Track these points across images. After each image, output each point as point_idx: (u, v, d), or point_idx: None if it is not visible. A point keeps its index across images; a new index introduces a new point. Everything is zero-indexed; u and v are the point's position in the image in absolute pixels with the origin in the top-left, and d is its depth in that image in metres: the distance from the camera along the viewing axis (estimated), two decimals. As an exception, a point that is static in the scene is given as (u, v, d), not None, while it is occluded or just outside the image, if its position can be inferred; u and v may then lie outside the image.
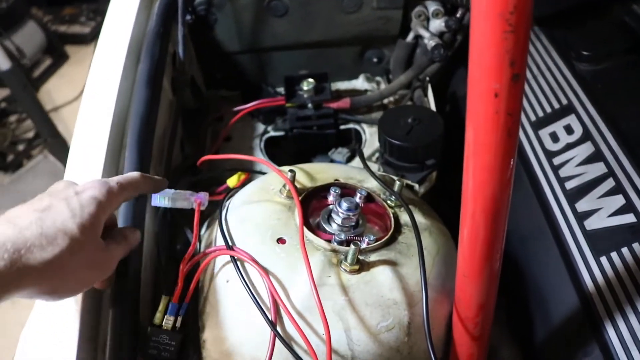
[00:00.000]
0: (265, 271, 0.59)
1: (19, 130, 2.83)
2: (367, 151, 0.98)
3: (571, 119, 0.82)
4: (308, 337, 0.55)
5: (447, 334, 0.64)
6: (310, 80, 0.99)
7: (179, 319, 0.63)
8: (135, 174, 0.62)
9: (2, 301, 0.46)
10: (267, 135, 1.07)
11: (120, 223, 0.68)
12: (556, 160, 0.80)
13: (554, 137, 0.82)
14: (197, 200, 0.70)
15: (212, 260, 0.66)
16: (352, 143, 1.05)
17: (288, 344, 0.56)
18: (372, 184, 0.71)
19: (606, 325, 0.63)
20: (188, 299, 0.64)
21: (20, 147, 2.73)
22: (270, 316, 0.57)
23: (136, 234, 0.63)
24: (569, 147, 0.80)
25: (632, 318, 0.61)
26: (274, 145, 1.06)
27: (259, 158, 0.71)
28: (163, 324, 0.62)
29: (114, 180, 0.58)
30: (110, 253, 0.57)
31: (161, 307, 0.63)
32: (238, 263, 0.61)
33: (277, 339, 0.55)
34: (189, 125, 1.04)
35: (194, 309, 0.66)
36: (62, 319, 0.61)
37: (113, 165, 0.77)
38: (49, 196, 0.54)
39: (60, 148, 2.45)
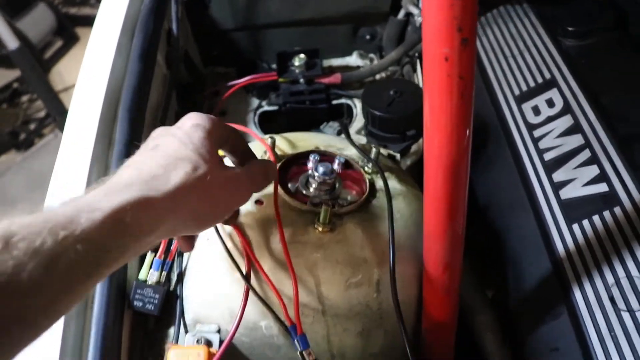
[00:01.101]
0: (241, 229, 0.62)
1: (31, 110, 2.88)
2: (357, 125, 1.01)
3: (553, 93, 0.84)
4: (280, 292, 0.58)
5: (418, 291, 0.67)
6: (302, 56, 1.02)
7: (164, 274, 0.67)
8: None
9: (147, 237, 0.44)
10: (261, 110, 1.09)
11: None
12: (536, 133, 0.81)
13: (536, 111, 0.84)
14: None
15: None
16: (344, 117, 1.08)
17: (260, 296, 0.59)
18: (351, 152, 0.74)
19: (574, 289, 0.65)
20: (171, 257, 0.67)
21: (32, 126, 2.78)
22: (244, 271, 0.60)
23: (272, 167, 0.61)
24: (550, 119, 0.81)
25: (598, 282, 0.64)
26: (268, 120, 1.09)
27: (245, 128, 0.74)
28: (147, 278, 0.66)
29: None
30: (240, 178, 0.54)
31: (146, 263, 0.67)
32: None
33: (250, 291, 0.59)
34: (185, 100, 1.07)
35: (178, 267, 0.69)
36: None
37: (106, 132, 0.80)
38: (152, 139, 0.52)
39: (69, 127, 2.50)
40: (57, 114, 2.35)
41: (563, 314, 0.66)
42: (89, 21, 3.33)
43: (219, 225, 0.64)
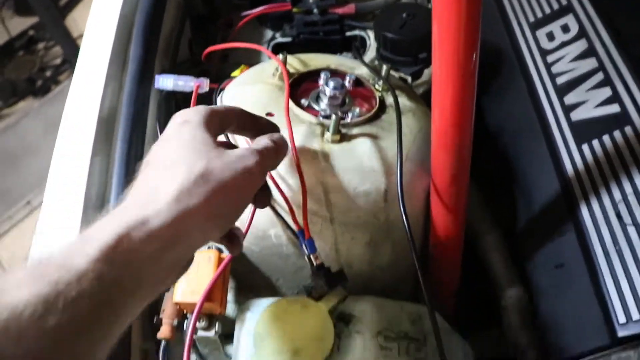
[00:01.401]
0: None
1: (47, 57, 2.90)
2: (370, 55, 1.00)
3: (568, 18, 0.83)
4: (289, 199, 0.59)
5: (426, 206, 0.68)
6: (316, -15, 1.01)
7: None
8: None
9: (174, 258, 0.41)
10: (274, 42, 1.09)
11: (123, 112, 0.73)
12: (550, 58, 0.81)
13: (550, 37, 0.83)
14: (196, 83, 0.74)
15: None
16: (357, 44, 1.07)
17: (271, 204, 0.61)
18: (362, 71, 0.74)
19: (581, 206, 0.65)
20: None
21: (48, 73, 2.81)
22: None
23: (280, 138, 0.53)
24: (564, 44, 0.81)
25: (605, 199, 0.64)
26: (281, 51, 1.08)
27: (257, 45, 0.75)
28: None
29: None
30: (243, 160, 0.46)
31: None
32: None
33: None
34: (199, 30, 1.07)
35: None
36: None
37: (120, 55, 0.81)
38: (145, 159, 0.47)
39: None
40: (75, 59, 2.36)
41: (569, 230, 0.66)
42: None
43: (230, 136, 0.65)
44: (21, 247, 2.25)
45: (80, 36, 2.85)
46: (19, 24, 3.03)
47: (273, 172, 0.61)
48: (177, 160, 0.43)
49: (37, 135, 2.57)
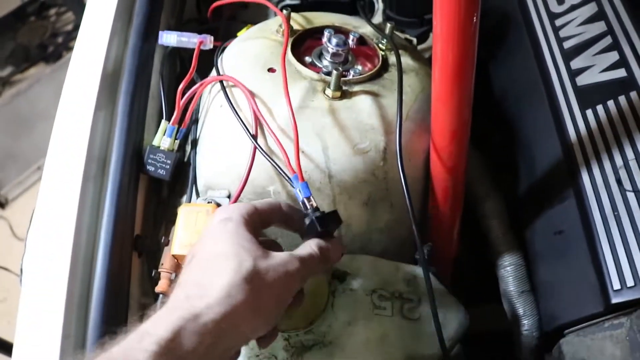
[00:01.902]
0: (251, 93, 0.63)
1: (59, 23, 2.89)
2: (377, 19, 0.99)
3: (579, -19, 0.81)
4: (287, 151, 0.59)
5: (426, 167, 0.68)
6: (325, -53, 0.99)
7: (176, 142, 0.69)
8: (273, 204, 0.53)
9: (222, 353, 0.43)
10: (283, 3, 1.08)
11: (127, 66, 0.73)
12: (558, 22, 0.80)
13: (560, 0, 0.82)
14: (199, 39, 0.74)
15: (209, 90, 0.70)
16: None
17: (267, 153, 0.60)
18: (366, 30, 0.74)
19: (582, 172, 0.65)
20: (185, 125, 0.69)
21: (60, 39, 2.80)
22: (252, 131, 0.61)
23: (330, 248, 0.52)
24: (573, 8, 0.79)
25: (607, 165, 0.64)
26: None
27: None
28: (160, 144, 0.68)
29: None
30: (287, 266, 0.47)
31: (160, 129, 0.69)
32: (228, 89, 0.65)
33: (258, 154, 0.60)
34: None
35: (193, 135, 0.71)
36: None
37: (125, 11, 0.81)
38: (188, 254, 0.50)
39: (97, 39, 2.51)
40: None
41: (569, 197, 0.66)
42: None
43: (230, 90, 0.65)
44: (32, 211, 2.27)
45: (91, 2, 2.86)
46: (31, -11, 3.02)
47: (272, 126, 0.61)
48: (225, 256, 0.45)
49: (48, 101, 2.57)
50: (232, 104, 0.63)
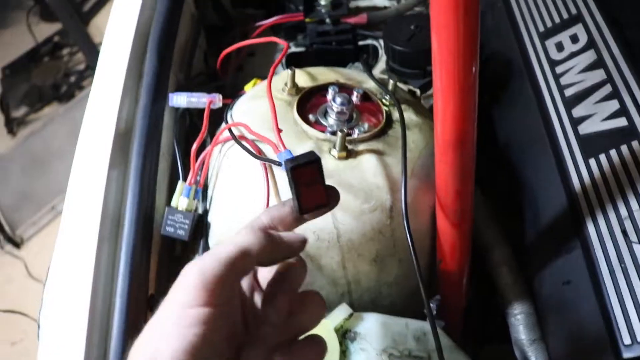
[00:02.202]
0: (260, 151, 0.65)
1: (72, 62, 2.96)
2: (382, 65, 1.01)
3: (578, 28, 0.83)
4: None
5: (432, 222, 0.69)
6: (328, -5, 1.02)
7: (194, 202, 0.71)
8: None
9: None
10: (288, 51, 1.11)
11: (138, 126, 0.75)
12: (559, 69, 0.81)
13: (559, 47, 0.83)
14: (208, 99, 0.76)
15: (219, 149, 0.72)
16: (367, 56, 1.08)
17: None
18: (370, 85, 0.76)
19: (587, 222, 0.65)
20: (201, 184, 0.71)
21: (73, 79, 2.86)
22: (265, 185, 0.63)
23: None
24: (573, 55, 0.81)
25: (612, 215, 0.64)
26: (295, 61, 1.10)
27: (272, 38, 0.77)
28: (178, 205, 0.70)
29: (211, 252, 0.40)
30: None
31: (177, 190, 0.71)
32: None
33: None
34: (214, 41, 1.09)
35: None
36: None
37: (136, 69, 0.83)
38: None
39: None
40: (94, 63, 2.41)
41: (576, 247, 0.66)
42: (126, -26, 3.36)
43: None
44: (47, 251, 2.29)
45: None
46: (45, 30, 3.09)
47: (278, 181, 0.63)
48: None
49: (62, 140, 2.62)
50: (243, 146, 0.66)
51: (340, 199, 0.47)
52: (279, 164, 0.61)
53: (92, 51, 2.46)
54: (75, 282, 0.67)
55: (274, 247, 0.42)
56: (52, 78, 2.86)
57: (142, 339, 0.37)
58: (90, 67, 2.74)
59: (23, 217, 2.40)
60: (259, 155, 0.66)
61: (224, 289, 0.37)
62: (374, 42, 1.07)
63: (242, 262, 0.39)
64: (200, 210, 0.74)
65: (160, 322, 0.36)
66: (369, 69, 0.77)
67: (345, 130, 0.64)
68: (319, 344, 0.44)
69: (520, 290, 0.74)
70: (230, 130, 0.70)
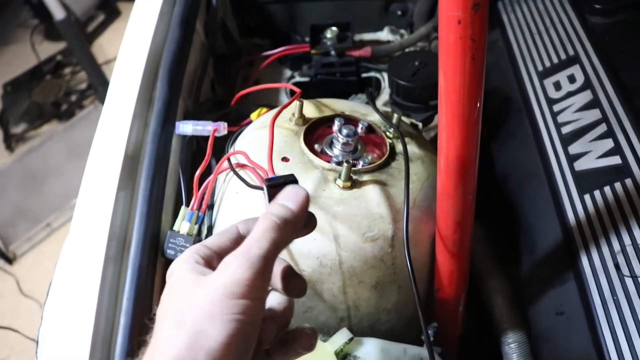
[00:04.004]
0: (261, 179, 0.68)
1: (73, 81, 2.98)
2: (384, 97, 1.04)
3: (575, 69, 0.86)
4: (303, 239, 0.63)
5: (431, 252, 0.71)
6: (334, 28, 1.06)
7: (195, 227, 0.73)
8: (269, 223, 0.40)
9: None
10: (293, 80, 1.14)
11: (147, 151, 0.77)
12: (556, 107, 0.84)
13: (557, 86, 0.86)
14: (213, 127, 0.78)
15: (225, 178, 0.74)
16: (372, 88, 1.11)
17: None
18: (374, 118, 0.78)
19: (581, 256, 0.68)
20: (203, 210, 0.73)
21: (73, 98, 2.88)
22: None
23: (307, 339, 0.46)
24: (570, 94, 0.84)
25: (605, 249, 0.66)
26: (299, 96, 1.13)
27: (282, 83, 0.79)
28: (180, 229, 0.72)
29: (250, 245, 0.39)
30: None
31: (180, 215, 0.73)
32: (246, 174, 0.69)
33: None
34: (222, 69, 1.12)
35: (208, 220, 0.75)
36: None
37: (146, 94, 0.86)
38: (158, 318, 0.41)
39: (109, 98, 2.58)
40: (99, 84, 2.44)
41: (570, 279, 0.69)
42: (131, -4, 3.41)
43: (247, 176, 0.69)
44: (40, 268, 2.29)
45: (106, 62, 2.96)
46: (48, 49, 3.12)
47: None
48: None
49: (60, 159, 2.64)
50: (240, 177, 0.68)
51: (317, 224, 0.47)
52: (261, 189, 0.62)
53: (95, 71, 2.49)
54: (78, 300, 0.67)
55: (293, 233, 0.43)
56: (53, 96, 2.88)
57: (177, 311, 0.38)
58: (92, 87, 2.77)
59: (17, 233, 2.40)
60: (248, 183, 0.68)
61: (265, 283, 0.39)
62: (377, 75, 1.10)
63: (275, 255, 0.40)
64: (202, 235, 0.75)
65: (205, 304, 0.37)
66: (374, 102, 0.80)
67: (351, 161, 0.67)
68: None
69: (515, 320, 0.76)
70: (228, 159, 0.72)
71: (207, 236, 0.75)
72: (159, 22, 0.93)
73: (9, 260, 2.32)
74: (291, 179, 0.47)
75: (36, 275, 2.25)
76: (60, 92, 2.90)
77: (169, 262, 0.75)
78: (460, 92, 0.53)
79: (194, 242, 0.72)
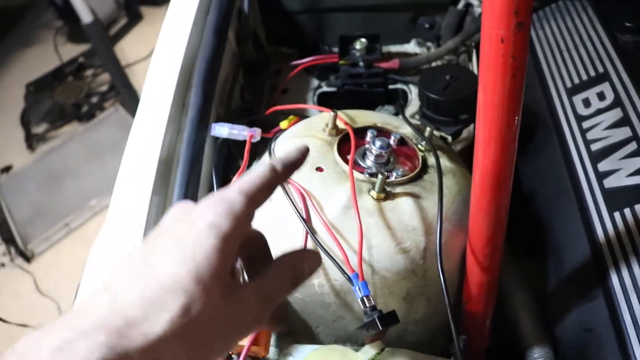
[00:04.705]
0: (303, 191, 0.68)
1: (94, 83, 3.03)
2: (411, 109, 1.05)
3: (604, 87, 0.86)
4: (331, 250, 0.64)
5: (461, 265, 0.72)
6: (363, 40, 1.07)
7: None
8: (259, 170, 0.43)
9: None
10: (320, 90, 1.15)
11: (182, 156, 0.78)
12: (585, 124, 0.84)
13: (586, 103, 0.87)
14: (249, 133, 0.79)
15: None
16: (399, 100, 1.12)
17: (322, 245, 0.65)
18: (406, 130, 0.79)
19: (611, 273, 0.68)
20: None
21: (94, 100, 2.92)
22: (304, 225, 0.66)
23: (309, 258, 0.46)
24: (599, 112, 0.84)
25: (635, 267, 0.67)
26: (326, 100, 1.14)
27: (315, 106, 0.80)
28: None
29: (236, 189, 0.41)
30: (249, 300, 0.40)
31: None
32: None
33: (309, 236, 0.65)
34: (250, 76, 1.13)
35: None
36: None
37: (180, 100, 0.87)
38: (155, 237, 0.39)
39: (130, 101, 2.62)
40: (122, 86, 2.48)
41: (599, 296, 0.69)
42: (152, 1, 3.46)
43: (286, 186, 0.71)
44: (57, 268, 2.31)
45: (127, 65, 3.00)
46: (71, 51, 3.17)
47: (321, 226, 0.66)
48: (178, 289, 0.37)
49: (80, 159, 2.67)
50: (290, 198, 0.68)
51: (321, 262, 0.48)
52: (348, 278, 0.63)
53: (119, 74, 2.52)
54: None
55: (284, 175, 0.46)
56: (74, 98, 2.92)
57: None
58: (116, 90, 2.81)
59: (36, 232, 2.43)
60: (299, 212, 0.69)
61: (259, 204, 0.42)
62: (404, 87, 1.11)
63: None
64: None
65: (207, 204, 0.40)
66: (405, 116, 0.81)
67: (385, 173, 0.68)
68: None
69: (540, 335, 0.76)
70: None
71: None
72: (193, 30, 0.95)
73: (27, 259, 2.35)
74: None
75: (53, 275, 2.28)
76: (82, 93, 2.95)
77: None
78: (499, 109, 0.53)
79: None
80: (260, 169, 0.43)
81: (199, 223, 0.38)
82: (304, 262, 0.45)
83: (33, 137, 2.80)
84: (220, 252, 0.37)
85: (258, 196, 0.42)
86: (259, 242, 0.47)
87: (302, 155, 0.48)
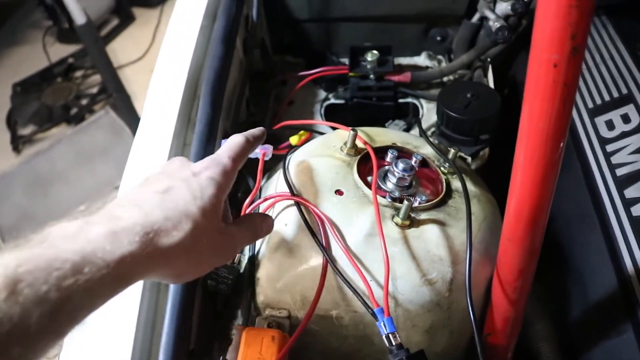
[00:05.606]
0: (323, 216, 0.64)
1: (84, 85, 2.95)
2: (423, 125, 1.01)
3: (629, 108, 0.83)
4: (353, 281, 0.60)
5: (485, 297, 0.68)
6: (375, 52, 1.03)
7: (238, 256, 0.69)
8: (238, 140, 0.58)
9: (133, 284, 0.44)
10: (327, 102, 1.11)
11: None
12: (609, 147, 0.81)
13: (610, 125, 0.84)
14: (262, 150, 0.75)
15: (272, 206, 0.71)
16: (409, 117, 1.09)
17: (344, 277, 0.61)
18: (427, 151, 0.75)
19: (641, 306, 0.65)
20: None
21: (84, 102, 2.85)
22: (325, 253, 0.62)
23: (267, 222, 0.61)
24: (624, 135, 0.81)
25: (668, 302, 0.64)
26: (333, 113, 1.10)
27: (327, 122, 0.76)
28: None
29: (225, 155, 0.55)
30: (233, 238, 0.55)
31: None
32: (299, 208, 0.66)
33: (328, 274, 0.61)
34: (255, 86, 1.09)
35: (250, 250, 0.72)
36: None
37: (186, 112, 0.83)
38: (167, 177, 0.51)
39: (121, 104, 2.55)
40: (114, 90, 2.41)
41: (628, 331, 0.66)
42: (144, 2, 3.40)
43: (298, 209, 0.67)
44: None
45: (119, 67, 2.93)
46: (59, 51, 3.09)
47: (344, 253, 0.62)
48: (191, 215, 0.49)
49: (68, 163, 2.60)
50: (309, 225, 0.64)
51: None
52: (372, 313, 0.59)
53: (112, 77, 2.45)
54: (112, 330, 0.64)
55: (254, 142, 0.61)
56: (63, 99, 2.85)
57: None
58: (107, 92, 2.74)
59: (22, 237, 2.35)
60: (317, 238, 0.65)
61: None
62: (414, 101, 1.08)
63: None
64: (242, 265, 0.72)
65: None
66: (427, 136, 0.77)
67: (410, 199, 0.64)
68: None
69: (560, 368, 0.73)
70: (297, 203, 0.68)
71: (246, 267, 0.71)
72: (199, 38, 0.90)
73: (12, 265, 2.27)
74: None
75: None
76: (71, 95, 2.88)
77: (206, 292, 0.71)
78: (544, 135, 0.49)
79: (237, 273, 0.69)
80: (238, 139, 0.58)
81: (202, 176, 0.52)
82: (263, 223, 0.61)
83: (19, 139, 2.71)
84: (217, 198, 0.51)
85: (240, 160, 0.57)
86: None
87: (262, 134, 0.63)
